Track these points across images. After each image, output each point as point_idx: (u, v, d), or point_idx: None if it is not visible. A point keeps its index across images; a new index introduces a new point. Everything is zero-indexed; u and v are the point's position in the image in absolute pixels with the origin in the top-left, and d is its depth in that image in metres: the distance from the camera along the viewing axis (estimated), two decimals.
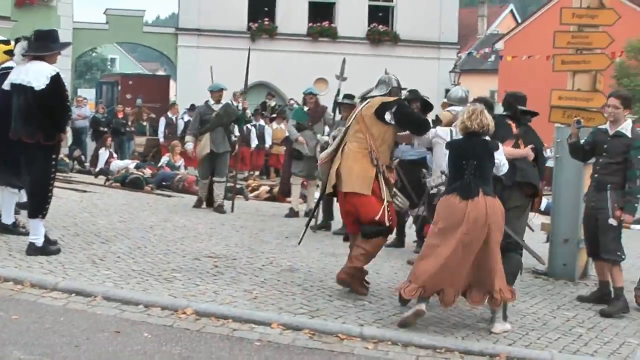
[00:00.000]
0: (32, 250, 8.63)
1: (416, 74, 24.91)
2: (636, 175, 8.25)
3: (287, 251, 10.41)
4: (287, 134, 15.10)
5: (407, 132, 8.45)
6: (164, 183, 17.77)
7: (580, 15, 10.41)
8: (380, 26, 32.38)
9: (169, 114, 24.91)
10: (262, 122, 24.94)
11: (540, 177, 8.38)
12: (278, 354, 6.30)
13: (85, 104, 26.44)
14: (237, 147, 15.15)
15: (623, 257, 8.47)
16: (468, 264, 7.04)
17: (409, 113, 8.41)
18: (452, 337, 6.91)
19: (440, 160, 8.51)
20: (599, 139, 8.77)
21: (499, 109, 9.27)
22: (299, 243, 9.33)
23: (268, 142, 24.51)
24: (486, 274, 7.09)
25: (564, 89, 10.59)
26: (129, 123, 25.08)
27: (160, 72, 53.60)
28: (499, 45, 42.88)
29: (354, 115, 8.36)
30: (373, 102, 8.26)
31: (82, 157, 23.46)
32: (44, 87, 8.46)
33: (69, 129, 19.74)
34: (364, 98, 8.64)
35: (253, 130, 24.21)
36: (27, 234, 9.05)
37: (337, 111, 12.99)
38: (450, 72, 31.69)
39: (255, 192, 18.02)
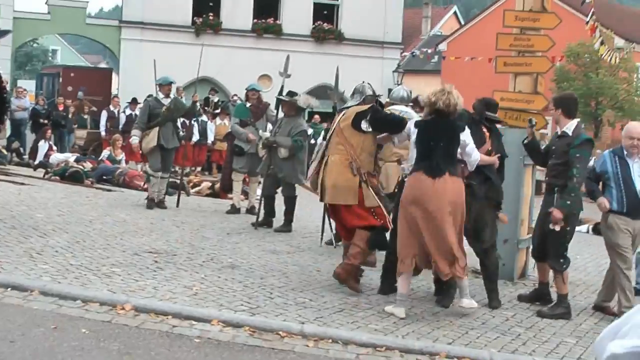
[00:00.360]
0: None
1: (360, 73, 24.74)
2: (573, 174, 8.17)
3: (228, 248, 10.37)
4: (229, 130, 15.01)
5: (385, 134, 8.61)
6: (104, 177, 17.55)
7: (522, 18, 10.54)
8: (325, 24, 32.46)
9: (111, 107, 24.63)
10: (204, 117, 24.79)
11: (502, 181, 8.79)
12: (218, 351, 6.26)
13: (25, 95, 25.94)
14: (184, 142, 15.00)
15: (565, 266, 8.33)
16: (433, 235, 7.43)
17: (383, 117, 8.59)
18: (393, 336, 6.94)
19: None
20: (551, 141, 8.98)
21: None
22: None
23: (210, 138, 24.36)
24: (449, 246, 7.43)
25: (505, 91, 10.71)
26: (70, 116, 24.72)
27: (103, 65, 53.00)
28: (442, 46, 43.24)
29: (333, 128, 8.64)
30: (348, 114, 8.49)
31: (21, 149, 23.03)
32: None
33: (7, 120, 19.44)
34: (340, 109, 8.85)
35: (195, 125, 24.04)
36: None
37: (279, 108, 12.93)
38: (394, 71, 31.88)
39: (197, 188, 17.87)
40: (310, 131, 20.14)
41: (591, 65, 32.98)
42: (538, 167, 10.28)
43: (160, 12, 30.29)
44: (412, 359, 6.60)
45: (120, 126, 23.46)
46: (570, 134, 8.41)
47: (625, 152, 8.50)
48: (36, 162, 20.49)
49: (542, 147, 9.15)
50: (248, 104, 13.91)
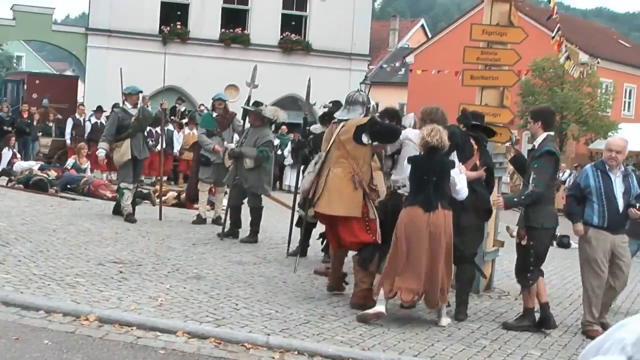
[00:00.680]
0: None
1: (327, 84, 25.04)
2: (530, 183, 8.17)
3: (194, 258, 10.31)
4: (196, 140, 14.94)
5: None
6: (69, 186, 17.38)
7: (489, 32, 10.62)
8: (293, 35, 32.45)
9: (77, 115, 24.42)
10: (170, 127, 24.65)
11: (490, 192, 8.94)
12: None
13: None
14: (158, 151, 14.84)
15: (531, 282, 8.31)
16: (428, 268, 7.78)
17: (381, 128, 8.63)
18: (359, 348, 6.93)
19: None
20: (528, 157, 8.88)
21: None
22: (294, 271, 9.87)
23: (176, 148, 24.25)
24: (439, 278, 7.81)
25: (472, 104, 10.77)
26: (35, 123, 24.48)
27: (69, 73, 52.57)
28: (410, 58, 43.54)
29: (331, 140, 8.60)
30: (348, 127, 8.51)
31: None
32: None
33: None
34: (338, 120, 8.83)
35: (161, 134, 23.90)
36: None
37: (246, 118, 12.88)
38: (361, 83, 31.92)
39: (163, 198, 17.78)
40: (276, 142, 20.12)
41: (556, 80, 33.38)
42: (503, 180, 10.36)
43: (127, 20, 30.11)
44: None
45: (86, 134, 23.26)
46: (537, 147, 8.44)
47: (607, 167, 8.47)
48: None
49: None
50: (214, 114, 13.87)
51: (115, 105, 14.99)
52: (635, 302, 11.29)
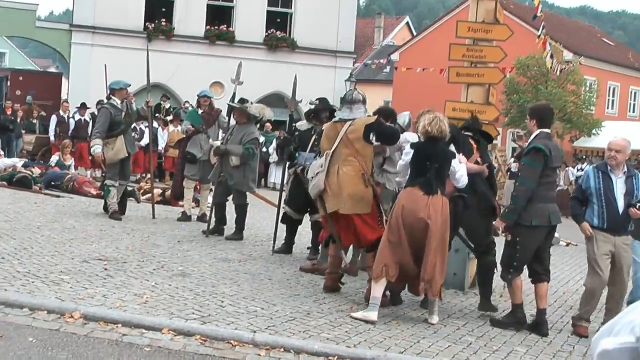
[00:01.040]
0: None
1: (313, 81, 25.06)
2: (517, 183, 8.18)
3: (179, 255, 10.28)
4: (181, 137, 14.90)
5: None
6: (53, 183, 17.31)
7: (475, 29, 10.64)
8: (278, 32, 32.41)
9: (61, 112, 24.28)
10: (155, 124, 24.55)
11: (494, 193, 9.13)
12: None
13: None
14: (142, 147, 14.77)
15: (509, 276, 8.24)
16: (420, 250, 7.84)
17: (386, 129, 8.74)
18: (344, 345, 6.92)
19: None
20: None
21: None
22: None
23: (161, 145, 24.18)
24: (429, 263, 7.81)
25: (457, 101, 10.80)
26: (18, 120, 24.33)
27: (53, 69, 52.33)
28: (395, 56, 43.56)
29: (339, 139, 8.62)
30: (357, 126, 8.59)
31: None
32: None
33: None
34: (340, 119, 8.88)
35: (147, 131, 23.83)
36: None
37: (231, 115, 12.86)
38: (346, 80, 31.96)
39: (147, 195, 17.73)
40: (261, 139, 20.07)
41: (540, 78, 33.43)
42: None
43: (111, 17, 29.99)
44: None
45: (70, 131, 23.15)
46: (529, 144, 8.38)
47: (608, 167, 8.39)
48: None
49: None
50: (200, 111, 13.84)
51: (100, 102, 14.90)
52: None
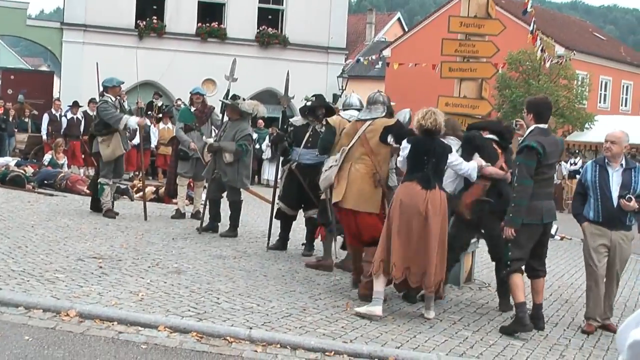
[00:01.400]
0: None
1: (305, 78, 25.04)
2: (517, 183, 7.98)
3: (173, 253, 10.26)
4: (174, 134, 14.87)
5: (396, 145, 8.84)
6: (46, 182, 17.27)
7: (467, 24, 10.63)
8: (270, 29, 32.38)
9: (53, 111, 24.20)
10: (147, 122, 24.48)
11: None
12: (165, 357, 6.18)
13: None
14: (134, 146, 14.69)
15: (504, 273, 8.15)
16: (420, 245, 7.80)
17: (404, 133, 8.71)
18: (341, 340, 6.92)
19: None
20: None
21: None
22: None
23: (153, 143, 24.12)
24: (430, 258, 7.77)
25: (450, 96, 10.79)
26: (10, 119, 24.26)
27: (44, 68, 52.17)
28: (386, 52, 43.53)
29: (357, 137, 8.69)
30: (376, 126, 8.65)
31: None
32: None
33: None
34: (359, 119, 8.96)
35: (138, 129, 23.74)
36: None
37: (225, 112, 12.83)
38: (338, 77, 31.97)
39: (141, 193, 17.70)
40: (255, 135, 20.04)
41: (532, 73, 33.46)
42: None
43: (102, 15, 29.94)
44: None
45: (62, 130, 23.08)
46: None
47: (606, 161, 8.33)
48: None
49: None
50: (192, 108, 13.81)
51: (93, 100, 14.84)
52: None
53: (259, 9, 32.42)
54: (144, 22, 30.81)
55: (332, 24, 32.80)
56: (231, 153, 12.02)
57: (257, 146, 24.75)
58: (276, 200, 11.32)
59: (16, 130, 24.39)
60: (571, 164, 29.40)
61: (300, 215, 11.32)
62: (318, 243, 11.06)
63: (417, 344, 7.13)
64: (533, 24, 13.83)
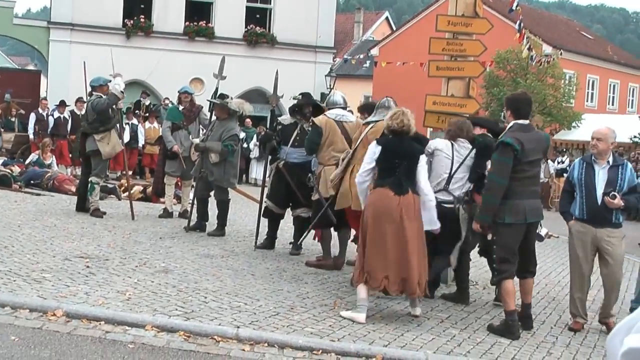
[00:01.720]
0: None
1: (293, 77, 25.02)
2: (488, 179, 7.96)
3: (161, 252, 10.25)
4: (160, 134, 14.84)
5: None
6: (32, 181, 17.20)
7: (455, 23, 10.63)
8: (258, 28, 32.33)
9: (40, 110, 24.10)
10: (135, 121, 24.45)
11: None
12: (152, 357, 6.16)
13: None
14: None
15: (495, 275, 8.18)
16: (398, 251, 7.64)
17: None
18: (328, 339, 6.92)
19: (441, 170, 8.80)
20: None
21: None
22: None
23: (141, 142, 24.06)
24: (414, 263, 7.63)
25: (438, 95, 10.80)
26: None
27: (31, 67, 51.92)
28: (374, 51, 43.57)
29: (359, 140, 8.92)
30: (378, 128, 8.69)
31: None
32: None
33: None
34: (367, 122, 9.18)
35: (127, 128, 23.71)
36: None
37: (213, 112, 12.80)
38: (326, 75, 31.94)
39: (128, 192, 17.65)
40: (242, 135, 20.02)
41: (519, 71, 33.55)
42: None
43: (90, 14, 29.82)
44: None
45: (49, 129, 22.98)
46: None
47: (593, 158, 8.27)
48: None
49: None
50: (180, 107, 13.78)
51: (80, 100, 14.78)
52: None
53: (247, 7, 32.35)
54: (132, 21, 30.71)
55: (320, 22, 32.77)
56: (217, 153, 12.00)
57: (245, 145, 24.73)
58: (264, 199, 11.32)
59: (2, 129, 24.27)
60: (558, 163, 29.47)
61: (288, 214, 11.32)
62: (306, 242, 11.05)
63: (404, 342, 7.13)
64: (520, 23, 13.85)
